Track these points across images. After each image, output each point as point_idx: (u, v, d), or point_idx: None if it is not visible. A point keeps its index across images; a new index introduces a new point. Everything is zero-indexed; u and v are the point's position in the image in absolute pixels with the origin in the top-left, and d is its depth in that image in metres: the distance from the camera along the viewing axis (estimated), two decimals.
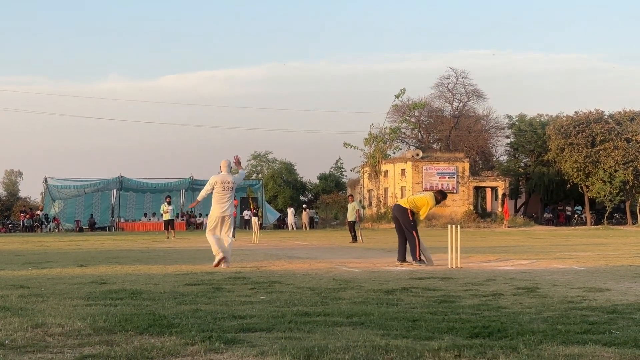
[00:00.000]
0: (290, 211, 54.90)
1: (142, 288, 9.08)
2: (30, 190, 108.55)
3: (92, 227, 51.87)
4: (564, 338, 5.50)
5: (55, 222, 51.35)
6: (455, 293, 8.60)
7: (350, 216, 26.98)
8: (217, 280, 10.15)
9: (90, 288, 9.16)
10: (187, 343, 5.34)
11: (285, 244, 24.94)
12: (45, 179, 53.01)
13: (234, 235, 28.56)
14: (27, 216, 51.61)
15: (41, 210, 52.68)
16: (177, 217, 45.78)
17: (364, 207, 56.95)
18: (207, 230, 13.72)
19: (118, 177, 53.56)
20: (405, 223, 13.69)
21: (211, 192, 13.57)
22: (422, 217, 13.93)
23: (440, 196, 14.32)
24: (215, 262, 12.95)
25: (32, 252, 19.17)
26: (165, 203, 31.95)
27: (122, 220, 53.50)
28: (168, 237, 30.09)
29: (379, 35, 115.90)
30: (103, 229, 52.25)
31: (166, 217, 31.49)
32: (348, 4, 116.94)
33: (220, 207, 13.47)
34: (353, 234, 26.07)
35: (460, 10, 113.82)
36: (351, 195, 29.01)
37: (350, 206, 27.46)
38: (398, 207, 14.01)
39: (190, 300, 7.88)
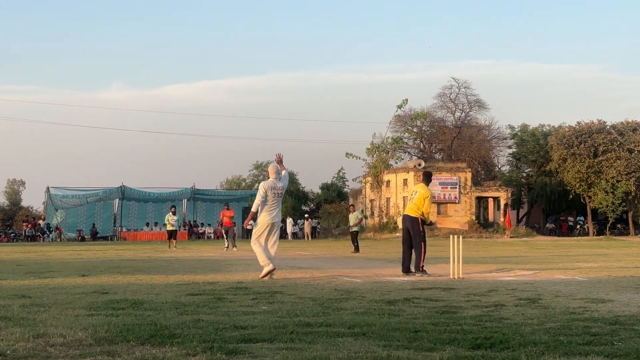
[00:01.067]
0: (289, 221, 54.77)
1: (144, 298, 9.07)
2: (33, 200, 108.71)
3: (94, 236, 51.92)
4: (566, 349, 5.49)
5: (58, 231, 51.40)
6: (457, 304, 8.59)
7: (353, 226, 26.99)
8: (219, 291, 10.14)
9: (92, 298, 9.16)
10: (188, 354, 5.33)
11: (287, 254, 24.90)
12: (48, 188, 53.13)
13: (234, 245, 28.71)
14: (30, 225, 51.66)
15: (43, 220, 52.73)
16: (180, 227, 45.80)
17: (366, 217, 56.97)
18: (252, 240, 13.09)
19: (120, 186, 53.67)
20: (416, 233, 13.66)
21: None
22: (427, 213, 13.85)
23: (427, 178, 14.44)
24: (263, 273, 12.57)
25: (34, 262, 19.17)
26: (170, 213, 31.97)
27: (124, 229, 53.57)
28: (170, 247, 30.10)
29: (382, 45, 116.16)
30: (105, 238, 52.30)
31: (170, 227, 31.49)
32: (351, 14, 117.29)
33: (269, 215, 12.94)
34: (355, 244, 26.05)
35: (463, 20, 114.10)
36: (352, 205, 28.99)
37: (352, 216, 27.44)
38: (408, 217, 13.91)
39: (192, 310, 7.87)
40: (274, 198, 13.02)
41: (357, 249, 25.72)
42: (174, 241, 31.34)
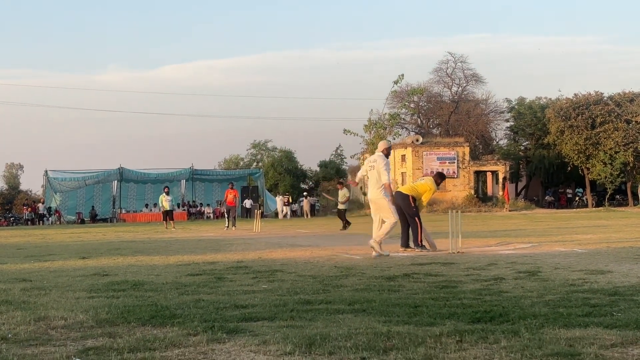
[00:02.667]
0: (279, 199, 54.47)
1: (144, 279, 9.09)
2: (31, 184, 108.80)
3: (94, 218, 51.97)
4: (565, 321, 5.50)
5: (57, 214, 51.44)
6: (457, 278, 8.62)
7: (342, 203, 26.68)
8: (219, 270, 10.17)
9: (92, 280, 9.18)
10: (189, 333, 5.35)
11: (287, 232, 24.96)
12: (46, 171, 53.08)
13: (234, 225, 28.72)
14: (29, 209, 51.68)
15: (42, 203, 52.73)
16: (178, 207, 45.74)
17: (364, 194, 56.96)
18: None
19: (118, 168, 53.64)
20: (407, 209, 13.72)
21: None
22: (424, 204, 13.98)
23: (440, 179, 14.39)
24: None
25: (34, 245, 19.20)
26: (164, 193, 31.85)
27: (123, 211, 53.60)
28: (167, 228, 30.13)
29: (377, 21, 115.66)
30: (104, 220, 52.35)
31: (165, 207, 31.49)
32: None
33: (369, 193, 13.10)
34: (344, 220, 25.84)
35: None
36: (341, 183, 28.78)
37: (340, 193, 27.04)
38: (399, 194, 14.01)
39: (193, 290, 7.89)
40: (370, 171, 13.07)
41: (345, 226, 25.51)
42: (172, 222, 31.20)
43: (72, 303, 7.03)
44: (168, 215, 31.43)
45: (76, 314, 6.22)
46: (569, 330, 5.21)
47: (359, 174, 13.89)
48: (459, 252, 12.57)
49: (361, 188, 58.16)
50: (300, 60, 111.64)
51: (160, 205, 32.06)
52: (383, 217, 12.97)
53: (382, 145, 13.48)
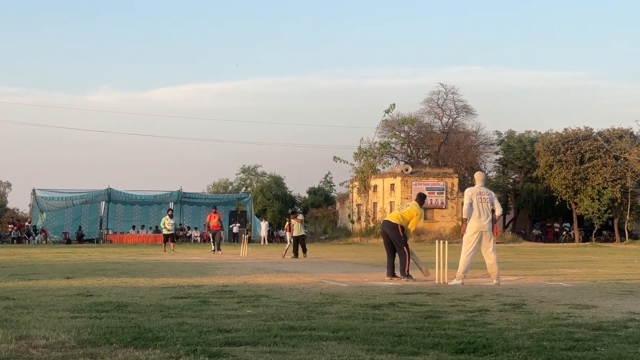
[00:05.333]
0: (264, 224, 54.26)
1: (128, 301, 9.05)
2: (19, 202, 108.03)
3: (80, 239, 51.70)
4: (549, 354, 5.51)
5: (43, 233, 51.16)
6: (442, 308, 8.61)
7: (297, 232, 26.29)
8: (204, 294, 10.13)
9: (76, 300, 9.12)
10: (171, 357, 5.32)
11: (273, 257, 24.89)
12: (34, 190, 52.84)
13: (219, 249, 28.64)
14: (15, 228, 51.39)
15: (29, 222, 52.45)
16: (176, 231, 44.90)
17: (352, 222, 56.97)
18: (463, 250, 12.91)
19: (107, 189, 53.46)
20: (396, 239, 13.73)
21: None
22: (412, 230, 13.98)
23: (422, 199, 14.42)
24: (453, 282, 12.55)
25: (19, 264, 19.08)
26: (167, 216, 31.37)
27: (110, 232, 53.35)
28: (165, 250, 29.78)
29: (370, 50, 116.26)
30: (91, 241, 52.05)
31: (166, 231, 30.87)
32: (339, 19, 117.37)
33: (477, 221, 12.76)
34: (297, 250, 25.52)
35: (451, 26, 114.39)
36: (294, 213, 28.85)
37: (296, 224, 26.67)
38: (387, 223, 14.03)
39: (176, 313, 7.85)
40: (481, 203, 12.84)
41: (296, 254, 24.96)
42: (172, 244, 30.79)
43: (54, 322, 6.98)
44: (169, 238, 30.95)
45: (58, 334, 6.18)
46: None
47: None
48: (445, 282, 12.59)
49: (349, 216, 58.38)
50: (292, 87, 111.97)
51: (162, 227, 31.50)
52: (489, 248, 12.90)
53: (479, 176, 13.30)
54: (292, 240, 26.41)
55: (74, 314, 7.68)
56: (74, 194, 53.96)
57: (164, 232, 31.11)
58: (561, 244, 52.21)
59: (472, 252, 12.88)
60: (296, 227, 26.29)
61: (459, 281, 12.56)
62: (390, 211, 42.08)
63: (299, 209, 68.63)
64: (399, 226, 13.78)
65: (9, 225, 51.61)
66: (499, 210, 13.02)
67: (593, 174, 52.83)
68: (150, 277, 13.55)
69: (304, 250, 25.30)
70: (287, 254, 25.34)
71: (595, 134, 55.08)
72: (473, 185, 13.27)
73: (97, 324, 6.88)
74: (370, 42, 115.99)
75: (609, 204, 52.65)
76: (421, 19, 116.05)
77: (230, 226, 52.65)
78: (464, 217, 13.02)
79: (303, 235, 26.32)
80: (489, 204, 12.87)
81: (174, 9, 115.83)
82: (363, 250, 33.10)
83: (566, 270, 17.10)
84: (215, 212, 30.61)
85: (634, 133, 55.28)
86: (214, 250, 28.69)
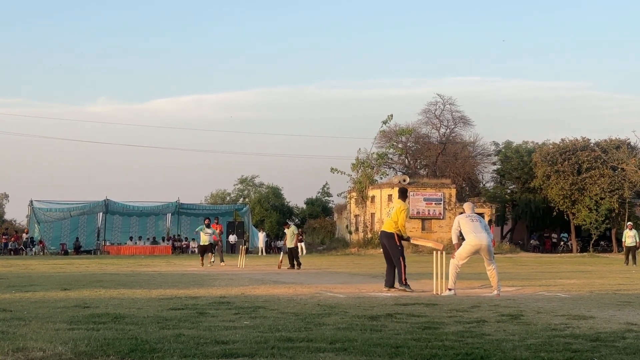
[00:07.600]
0: (262, 235, 54.16)
1: (125, 312, 9.03)
2: (16, 213, 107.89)
3: (78, 250, 51.62)
4: None
5: (41, 245, 51.08)
6: (440, 319, 8.60)
7: (290, 243, 26.23)
8: (201, 305, 10.11)
9: (73, 312, 9.11)
10: None
11: (271, 268, 24.87)
12: (31, 201, 52.79)
13: (222, 260, 28.47)
14: (12, 239, 51.28)
15: (26, 233, 52.38)
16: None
17: (350, 233, 56.94)
18: (452, 261, 12.93)
19: (104, 200, 53.43)
20: (392, 249, 13.72)
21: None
22: (402, 224, 13.85)
23: (404, 193, 14.43)
24: (445, 293, 12.48)
25: (16, 275, 19.04)
26: (204, 226, 28.28)
27: (107, 243, 53.28)
28: (203, 265, 26.96)
29: (368, 61, 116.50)
30: (88, 252, 51.98)
31: (204, 242, 28.04)
32: (337, 30, 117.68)
33: (475, 236, 12.67)
34: (293, 261, 25.44)
35: (448, 37, 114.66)
36: (286, 223, 28.81)
37: (288, 232, 26.61)
38: (384, 234, 14.03)
39: (174, 325, 7.84)
40: (473, 222, 12.85)
41: (293, 265, 25.03)
42: (210, 255, 28.09)
43: (51, 334, 6.97)
44: (207, 249, 28.00)
45: (55, 346, 6.17)
46: None
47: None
48: (442, 293, 12.58)
49: (347, 227, 58.37)
50: (290, 97, 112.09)
51: (199, 238, 28.61)
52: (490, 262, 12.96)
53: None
54: (287, 250, 26.38)
55: (71, 326, 7.66)
56: (71, 205, 53.96)
57: (201, 242, 28.27)
58: (559, 254, 52.22)
59: (462, 264, 12.96)
60: (289, 236, 26.26)
61: (451, 292, 12.55)
62: None
63: (292, 221, 68.55)
64: (395, 235, 13.78)
65: (3, 237, 51.40)
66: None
67: (590, 184, 52.89)
68: (148, 289, 13.53)
69: (298, 264, 25.10)
70: (283, 265, 25.31)
71: (592, 145, 55.17)
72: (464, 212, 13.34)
73: (94, 335, 6.86)
74: (368, 53, 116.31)
75: (606, 215, 52.69)
76: (419, 30, 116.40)
77: (228, 237, 52.59)
78: (454, 242, 13.14)
79: (294, 247, 26.14)
80: (479, 223, 12.92)
81: (172, 20, 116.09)
82: (361, 261, 33.08)
83: (564, 281, 17.10)
84: (216, 223, 30.25)
85: (631, 143, 55.47)
86: (213, 262, 28.22)
